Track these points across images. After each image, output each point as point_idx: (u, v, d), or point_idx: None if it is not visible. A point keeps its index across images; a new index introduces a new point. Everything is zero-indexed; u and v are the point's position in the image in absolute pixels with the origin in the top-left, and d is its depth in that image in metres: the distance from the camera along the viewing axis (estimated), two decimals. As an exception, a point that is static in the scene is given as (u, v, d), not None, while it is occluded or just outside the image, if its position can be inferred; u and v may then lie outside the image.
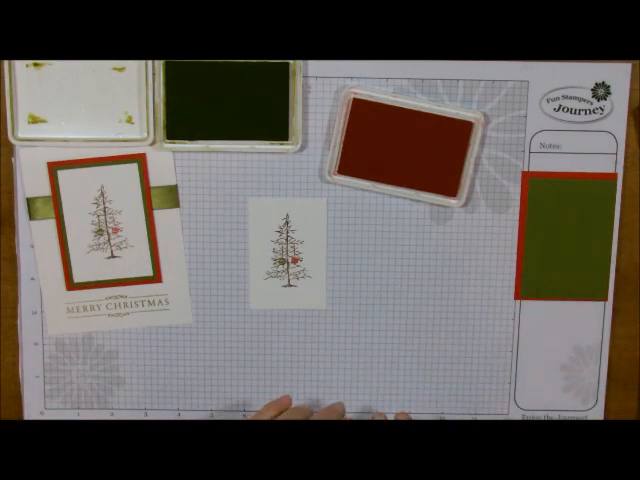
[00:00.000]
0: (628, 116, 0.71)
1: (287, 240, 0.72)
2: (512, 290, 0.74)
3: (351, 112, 0.69)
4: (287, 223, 0.72)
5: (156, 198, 0.72)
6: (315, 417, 0.71)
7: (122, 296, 0.73)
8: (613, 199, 0.72)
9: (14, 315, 0.74)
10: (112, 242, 0.72)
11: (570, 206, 0.72)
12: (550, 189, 0.72)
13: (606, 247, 0.73)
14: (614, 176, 0.72)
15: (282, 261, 0.73)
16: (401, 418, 0.72)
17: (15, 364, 0.75)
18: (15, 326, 0.74)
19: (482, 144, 0.71)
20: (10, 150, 0.71)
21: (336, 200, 0.72)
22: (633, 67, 0.70)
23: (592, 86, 0.71)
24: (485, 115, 0.70)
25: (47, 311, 0.73)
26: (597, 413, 0.76)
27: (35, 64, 0.69)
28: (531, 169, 0.72)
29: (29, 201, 0.71)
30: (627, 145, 0.72)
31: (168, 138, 0.70)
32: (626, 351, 0.75)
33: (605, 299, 0.74)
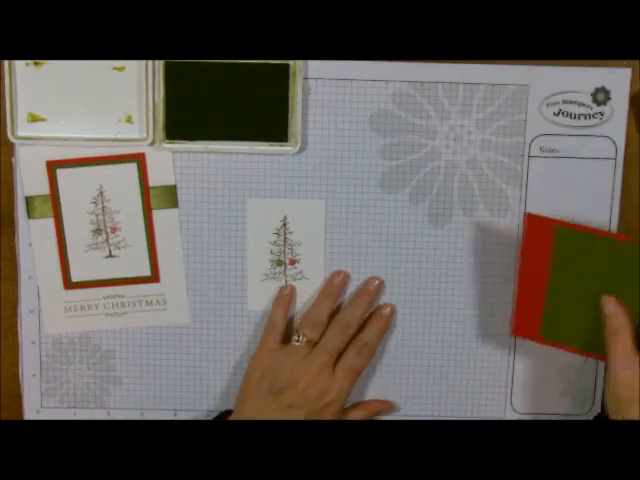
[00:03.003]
0: (628, 103, 0.71)
1: (285, 242, 0.72)
2: (510, 293, 0.74)
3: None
4: (285, 225, 0.72)
5: (155, 198, 0.72)
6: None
7: (120, 296, 0.73)
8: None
9: (14, 314, 0.74)
10: (110, 241, 0.72)
11: (595, 263, 0.66)
12: (577, 243, 0.66)
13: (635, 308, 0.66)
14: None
15: (280, 263, 0.73)
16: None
17: (15, 364, 0.75)
18: (15, 326, 0.74)
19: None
20: (9, 149, 0.71)
21: (335, 202, 0.72)
22: (633, 72, 0.70)
23: (592, 91, 0.71)
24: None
25: (45, 310, 0.73)
26: (594, 416, 0.76)
27: (35, 63, 0.69)
28: (530, 173, 0.72)
29: (28, 200, 0.71)
30: (627, 146, 0.72)
31: (167, 138, 0.70)
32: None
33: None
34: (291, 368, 0.68)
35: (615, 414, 0.63)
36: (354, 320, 0.71)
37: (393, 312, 0.73)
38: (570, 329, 0.68)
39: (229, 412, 0.72)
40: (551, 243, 0.67)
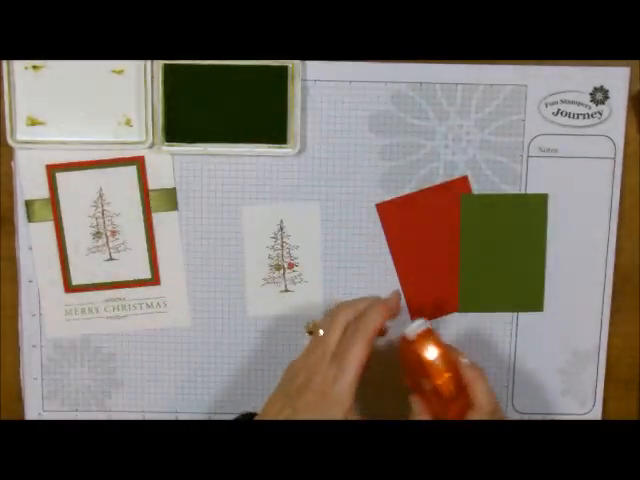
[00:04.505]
0: (628, 103, 0.71)
1: (282, 246, 0.72)
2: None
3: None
4: (281, 229, 0.72)
5: (154, 201, 0.72)
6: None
7: (120, 298, 0.73)
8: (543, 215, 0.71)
9: (14, 315, 0.74)
10: (110, 245, 0.72)
11: (501, 222, 0.72)
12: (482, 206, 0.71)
13: (540, 260, 0.72)
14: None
15: (278, 267, 0.73)
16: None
17: (15, 364, 0.75)
18: (15, 326, 0.74)
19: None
20: (9, 152, 0.71)
21: (335, 203, 0.72)
22: (631, 71, 0.70)
23: (590, 90, 0.71)
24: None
25: (45, 313, 0.73)
26: (595, 415, 0.76)
27: (34, 66, 0.69)
28: (529, 173, 0.72)
29: (27, 203, 0.72)
30: (626, 145, 0.72)
31: (167, 141, 0.70)
32: (626, 351, 0.75)
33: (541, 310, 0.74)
34: None
35: None
36: None
37: None
38: (486, 293, 0.70)
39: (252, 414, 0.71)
40: (458, 214, 0.69)
